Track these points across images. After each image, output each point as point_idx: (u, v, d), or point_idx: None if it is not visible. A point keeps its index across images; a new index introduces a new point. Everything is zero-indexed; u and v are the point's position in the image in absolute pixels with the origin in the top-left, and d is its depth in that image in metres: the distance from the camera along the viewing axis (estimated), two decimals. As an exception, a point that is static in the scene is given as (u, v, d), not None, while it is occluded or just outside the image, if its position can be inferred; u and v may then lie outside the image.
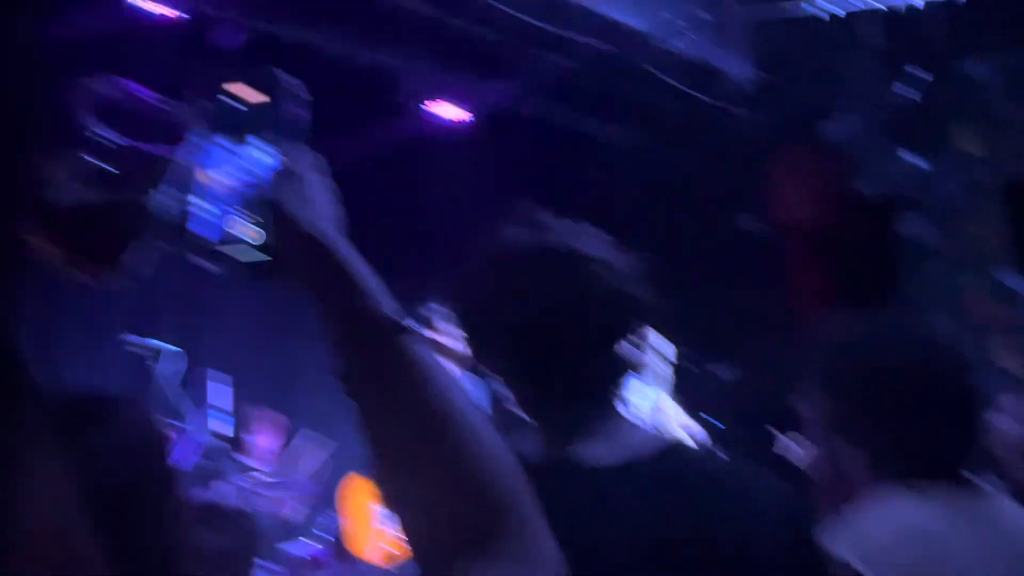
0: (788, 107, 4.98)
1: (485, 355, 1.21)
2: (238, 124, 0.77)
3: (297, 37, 4.18)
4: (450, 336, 3.90)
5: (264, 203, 0.75)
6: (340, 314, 0.72)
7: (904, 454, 1.31)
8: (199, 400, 4.44)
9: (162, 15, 3.94)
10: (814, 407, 1.40)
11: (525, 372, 1.17)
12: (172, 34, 4.09)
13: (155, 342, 3.77)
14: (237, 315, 5.40)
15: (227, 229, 0.75)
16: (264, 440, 5.08)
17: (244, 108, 0.78)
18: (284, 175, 0.75)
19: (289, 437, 5.23)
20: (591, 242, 1.19)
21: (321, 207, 0.74)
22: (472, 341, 1.21)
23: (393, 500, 0.72)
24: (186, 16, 4.00)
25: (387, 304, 0.72)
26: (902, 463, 1.31)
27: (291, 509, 4.71)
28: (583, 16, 4.27)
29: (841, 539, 1.20)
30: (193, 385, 4.48)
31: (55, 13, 3.85)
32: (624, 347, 1.18)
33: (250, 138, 0.77)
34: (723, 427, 4.14)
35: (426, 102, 5.16)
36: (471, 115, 5.30)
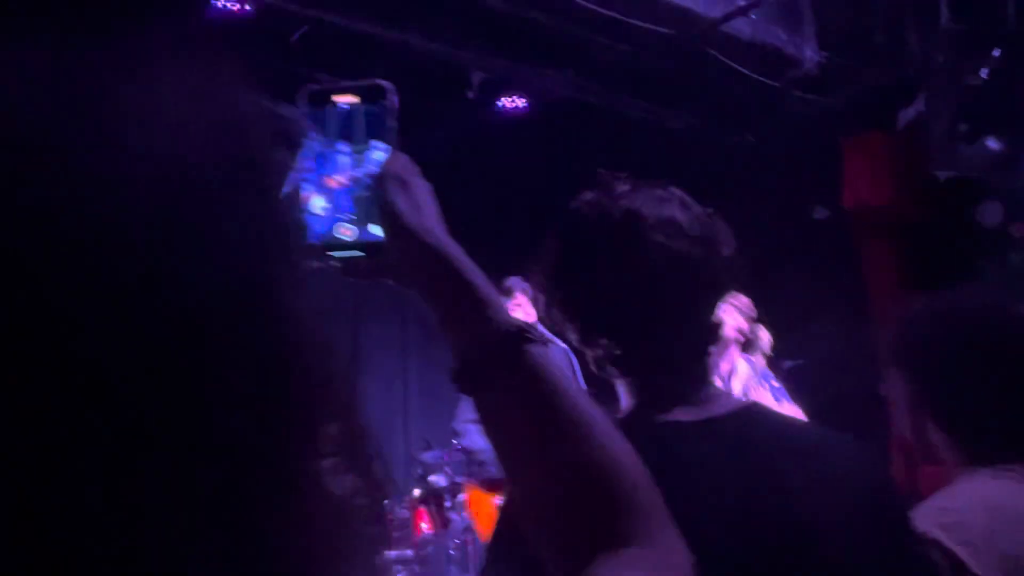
0: (858, 90, 4.90)
1: (578, 314, 1.19)
2: (348, 130, 0.81)
3: (362, 29, 4.29)
4: (528, 303, 4.00)
5: (378, 209, 0.77)
6: (465, 324, 0.72)
7: (994, 435, 1.28)
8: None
9: (226, 8, 4.06)
10: (899, 386, 1.38)
11: (620, 330, 1.16)
12: (240, 28, 4.24)
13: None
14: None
15: (338, 235, 0.78)
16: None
17: (352, 113, 0.81)
18: (392, 180, 0.76)
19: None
20: (677, 204, 1.18)
21: (431, 213, 0.76)
22: (565, 300, 1.21)
23: (526, 507, 0.72)
24: (250, 9, 4.12)
25: (505, 311, 0.72)
26: (992, 444, 1.27)
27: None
28: (647, 2, 4.28)
29: (928, 515, 1.20)
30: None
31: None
32: (713, 311, 1.18)
33: (366, 142, 0.80)
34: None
35: (493, 93, 5.23)
36: (538, 104, 5.34)
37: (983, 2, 4.09)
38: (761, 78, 4.76)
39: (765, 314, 5.09)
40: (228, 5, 4.09)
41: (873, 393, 4.96)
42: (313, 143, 0.80)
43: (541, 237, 1.25)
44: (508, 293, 4.07)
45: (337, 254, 0.79)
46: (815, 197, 5.57)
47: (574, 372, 3.94)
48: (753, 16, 4.37)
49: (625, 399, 1.19)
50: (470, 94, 4.97)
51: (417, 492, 4.80)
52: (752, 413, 1.17)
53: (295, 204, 0.76)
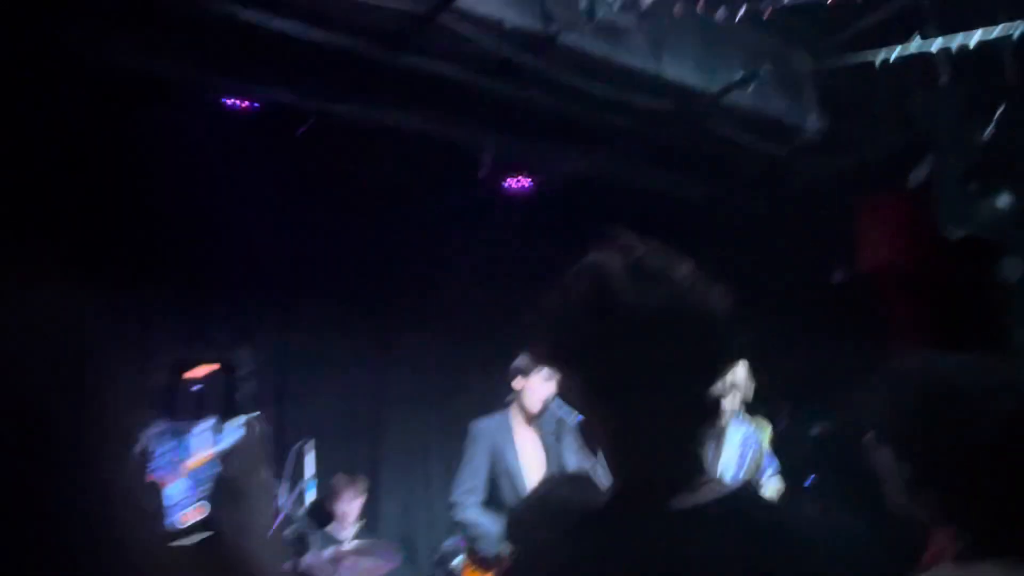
0: (865, 153, 4.90)
1: (581, 377, 1.16)
2: (202, 407, 0.84)
3: (370, 117, 4.40)
4: (541, 374, 4.01)
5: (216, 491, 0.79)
6: None
7: (985, 528, 1.18)
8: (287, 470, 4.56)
9: (235, 104, 4.19)
10: (886, 459, 1.31)
11: (621, 396, 1.13)
12: (247, 123, 4.36)
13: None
14: (313, 379, 5.60)
15: (180, 524, 0.80)
16: (346, 504, 5.20)
17: (206, 389, 0.85)
18: (225, 486, 0.78)
19: (369, 500, 5.35)
20: (684, 267, 1.17)
21: (254, 523, 0.78)
22: (567, 363, 1.18)
23: None
24: (257, 105, 4.24)
25: None
26: (985, 536, 1.18)
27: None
28: (648, 79, 4.34)
29: None
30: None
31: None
32: (718, 381, 1.15)
33: (223, 417, 0.83)
34: (813, 475, 4.01)
35: (501, 172, 5.32)
36: (546, 181, 5.41)
37: (983, 60, 4.10)
38: (765, 146, 4.78)
39: (788, 380, 5.02)
40: (236, 102, 4.21)
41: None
42: (166, 429, 0.82)
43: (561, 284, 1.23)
44: (524, 372, 4.10)
45: (184, 541, 0.79)
46: (831, 260, 5.53)
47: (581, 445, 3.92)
48: (751, 89, 4.41)
49: (616, 468, 1.16)
50: (480, 174, 5.06)
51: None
52: (740, 500, 1.14)
53: (151, 494, 0.77)
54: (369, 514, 5.50)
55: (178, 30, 3.62)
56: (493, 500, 4.05)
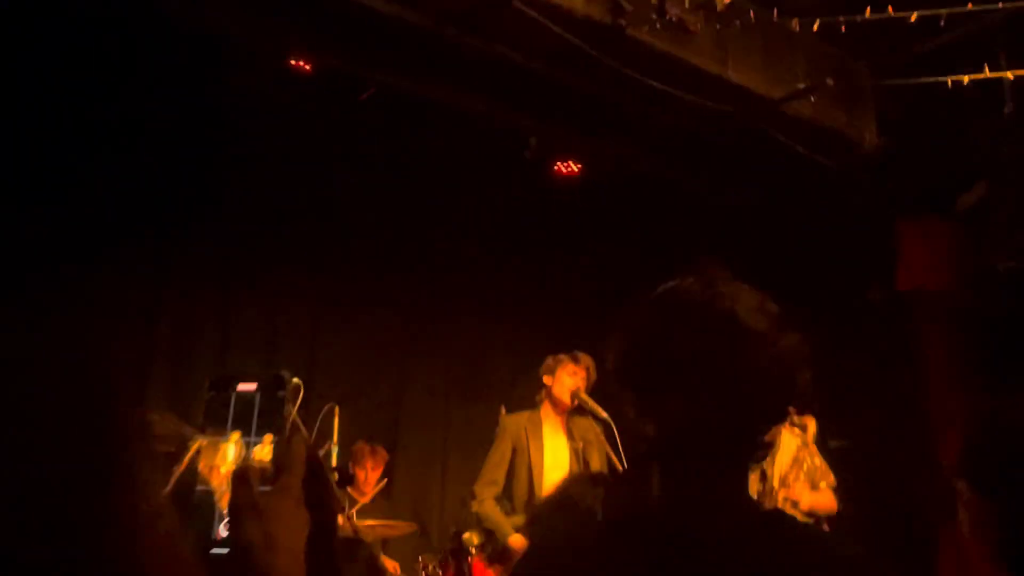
0: (917, 175, 4.88)
1: (642, 394, 1.19)
2: (244, 418, 0.86)
3: (425, 94, 4.42)
4: (567, 368, 4.07)
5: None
6: None
7: None
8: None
9: (299, 67, 4.22)
10: (964, 497, 1.32)
11: (677, 428, 1.15)
12: (310, 86, 4.40)
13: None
14: (344, 348, 5.67)
15: (215, 536, 0.82)
16: (367, 470, 5.29)
17: (250, 401, 0.87)
18: (246, 510, 0.79)
19: (388, 469, 5.43)
20: (767, 312, 1.18)
21: (289, 538, 0.79)
22: (628, 378, 1.20)
23: None
24: (320, 70, 4.27)
25: None
26: None
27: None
28: (710, 80, 4.34)
29: None
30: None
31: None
32: (768, 432, 1.17)
33: (260, 433, 0.86)
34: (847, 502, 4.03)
35: (551, 158, 5.33)
36: (601, 176, 5.42)
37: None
38: (819, 158, 4.77)
39: (815, 393, 5.01)
40: (302, 64, 4.25)
41: (914, 484, 4.84)
42: (205, 435, 0.85)
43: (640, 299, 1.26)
44: (552, 368, 4.20)
45: (216, 550, 0.82)
46: (870, 278, 5.51)
47: (616, 443, 3.97)
48: (813, 99, 4.39)
49: (655, 483, 1.18)
50: (533, 161, 5.08)
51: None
52: (770, 525, 1.16)
53: (184, 504, 0.80)
54: (387, 483, 5.58)
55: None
56: (507, 494, 4.12)
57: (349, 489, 5.25)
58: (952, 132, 4.57)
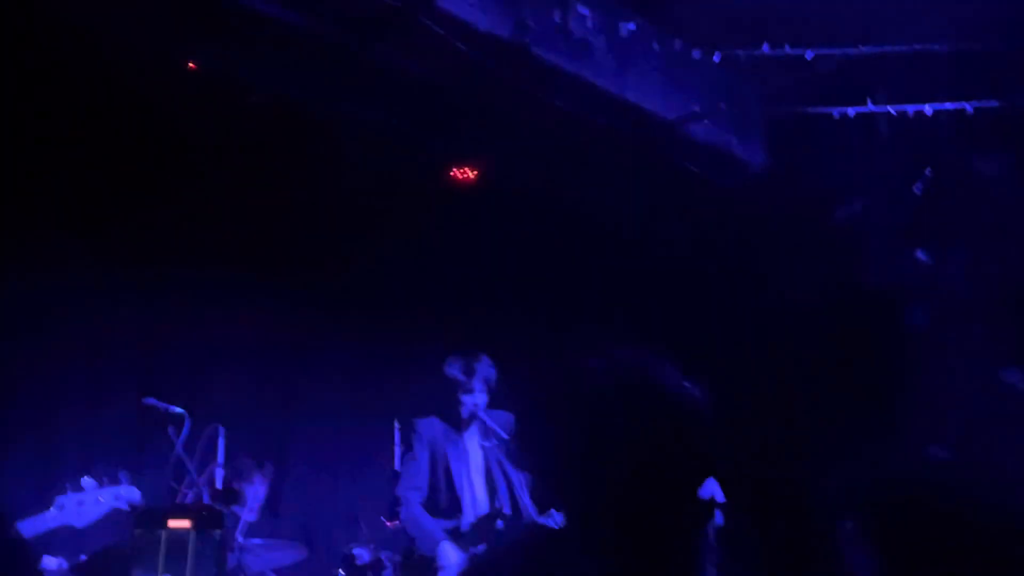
0: (798, 195, 5.11)
1: (564, 489, 1.19)
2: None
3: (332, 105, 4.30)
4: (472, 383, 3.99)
5: None
6: None
7: None
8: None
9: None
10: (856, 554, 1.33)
11: (606, 516, 1.15)
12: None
13: (171, 406, 3.78)
14: (228, 369, 5.45)
15: None
16: (252, 487, 5.10)
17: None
18: None
19: (275, 485, 5.26)
20: (672, 379, 1.20)
21: None
22: (549, 471, 1.21)
23: None
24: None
25: None
26: None
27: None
28: (610, 99, 4.40)
29: None
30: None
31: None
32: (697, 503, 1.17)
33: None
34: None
35: (450, 165, 5.29)
36: (494, 179, 5.40)
37: (921, 127, 4.35)
38: (712, 176, 4.93)
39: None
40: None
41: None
42: None
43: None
44: (458, 379, 4.10)
45: None
46: (759, 288, 5.73)
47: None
48: (707, 121, 4.53)
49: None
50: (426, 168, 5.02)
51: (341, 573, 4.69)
52: None
53: None
54: (273, 501, 5.40)
55: None
56: (431, 501, 4.04)
57: (235, 508, 5.05)
58: (833, 159, 4.81)
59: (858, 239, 5.09)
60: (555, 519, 3.55)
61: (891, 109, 4.28)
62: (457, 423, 4.12)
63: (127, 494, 3.09)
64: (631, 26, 4.11)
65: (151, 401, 3.73)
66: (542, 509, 3.79)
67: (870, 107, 4.29)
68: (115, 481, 3.13)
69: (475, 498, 4.03)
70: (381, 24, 3.74)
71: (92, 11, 3.48)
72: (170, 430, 3.62)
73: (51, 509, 2.85)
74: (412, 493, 4.02)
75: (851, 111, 4.31)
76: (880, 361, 4.93)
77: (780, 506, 4.33)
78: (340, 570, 4.69)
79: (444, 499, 3.99)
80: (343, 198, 5.37)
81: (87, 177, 4.65)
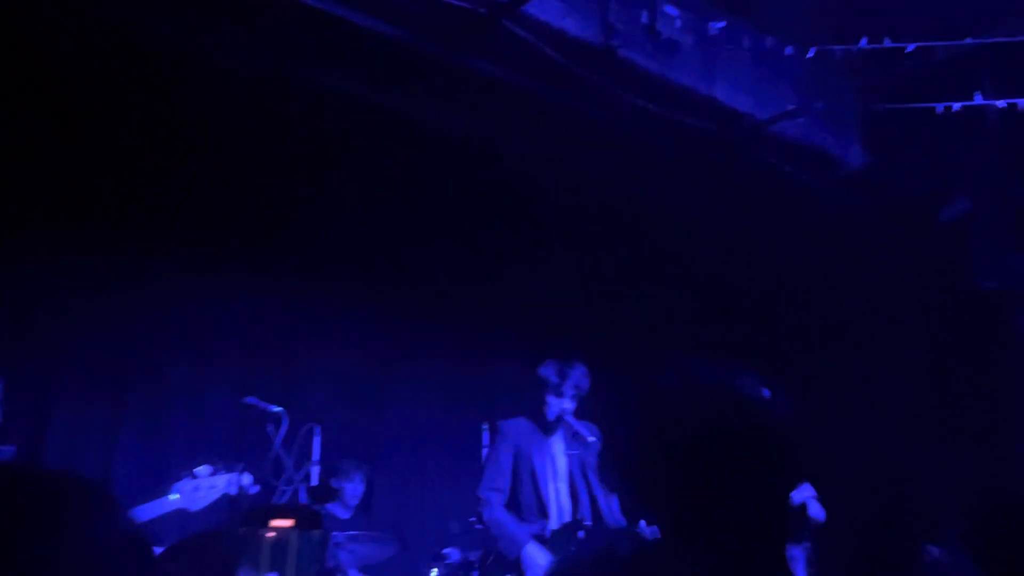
0: (900, 195, 4.91)
1: (648, 495, 1.19)
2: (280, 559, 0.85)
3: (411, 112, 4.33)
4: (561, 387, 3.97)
5: None
6: None
7: None
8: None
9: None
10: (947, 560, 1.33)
11: (698, 528, 1.14)
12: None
13: (270, 405, 3.90)
14: (323, 370, 5.59)
15: None
16: (349, 487, 5.22)
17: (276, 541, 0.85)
18: None
19: (371, 485, 5.38)
20: (752, 390, 1.19)
21: None
22: (632, 475, 1.21)
23: None
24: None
25: None
26: None
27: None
28: (699, 100, 4.32)
29: None
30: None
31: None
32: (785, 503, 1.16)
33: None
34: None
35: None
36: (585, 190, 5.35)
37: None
38: (805, 176, 4.78)
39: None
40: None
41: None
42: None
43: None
44: (548, 381, 4.08)
45: None
46: (848, 293, 5.54)
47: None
48: (800, 120, 4.40)
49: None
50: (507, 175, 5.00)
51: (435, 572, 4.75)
52: None
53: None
54: (366, 499, 5.52)
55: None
56: (514, 502, 4.01)
57: (328, 508, 5.19)
58: (936, 156, 4.61)
59: (963, 241, 4.85)
60: (645, 532, 3.49)
61: (999, 103, 4.06)
62: (544, 425, 4.09)
63: (240, 479, 3.23)
64: (720, 24, 4.02)
65: (251, 400, 3.86)
66: (632, 521, 3.74)
67: (977, 100, 4.06)
68: (229, 468, 3.27)
69: (560, 504, 3.99)
70: (467, 31, 3.77)
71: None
72: (269, 428, 3.73)
73: (167, 497, 3.00)
74: (494, 495, 3.99)
75: (956, 105, 4.09)
76: (985, 367, 4.69)
77: (876, 513, 4.17)
78: (434, 569, 4.75)
79: (527, 502, 3.95)
80: (434, 206, 5.45)
81: (209, 186, 4.81)
